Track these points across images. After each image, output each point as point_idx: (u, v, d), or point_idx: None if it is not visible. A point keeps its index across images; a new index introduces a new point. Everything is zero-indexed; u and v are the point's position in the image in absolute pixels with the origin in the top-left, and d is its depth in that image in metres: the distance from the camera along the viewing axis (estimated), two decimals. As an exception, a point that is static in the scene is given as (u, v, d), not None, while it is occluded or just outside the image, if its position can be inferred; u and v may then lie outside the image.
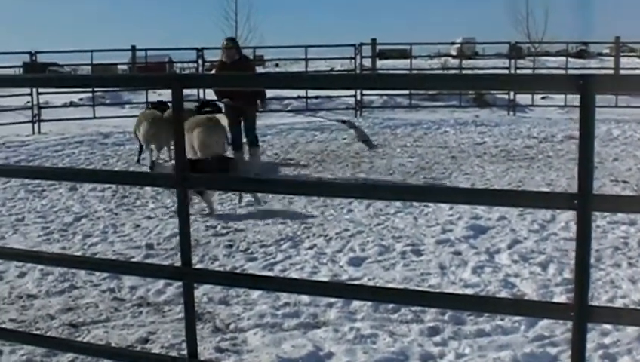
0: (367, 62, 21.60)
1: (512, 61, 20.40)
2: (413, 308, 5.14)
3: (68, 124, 17.04)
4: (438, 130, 16.24)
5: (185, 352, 3.52)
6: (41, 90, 16.89)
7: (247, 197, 8.92)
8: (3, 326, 5.02)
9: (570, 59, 22.28)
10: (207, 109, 11.68)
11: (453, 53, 31.23)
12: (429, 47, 32.79)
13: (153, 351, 4.62)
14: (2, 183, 10.17)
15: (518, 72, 20.45)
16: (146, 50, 21.12)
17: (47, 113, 17.47)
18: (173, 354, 4.58)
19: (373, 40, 20.96)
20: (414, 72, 20.55)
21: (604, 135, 14.46)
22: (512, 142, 14.26)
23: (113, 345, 4.74)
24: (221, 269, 6.26)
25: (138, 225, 7.95)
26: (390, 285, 5.74)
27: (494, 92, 19.72)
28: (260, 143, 11.71)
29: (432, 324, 4.97)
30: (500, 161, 12.01)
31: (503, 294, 5.58)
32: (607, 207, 3.10)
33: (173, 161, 9.02)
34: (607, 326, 4.72)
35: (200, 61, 19.04)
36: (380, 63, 23.72)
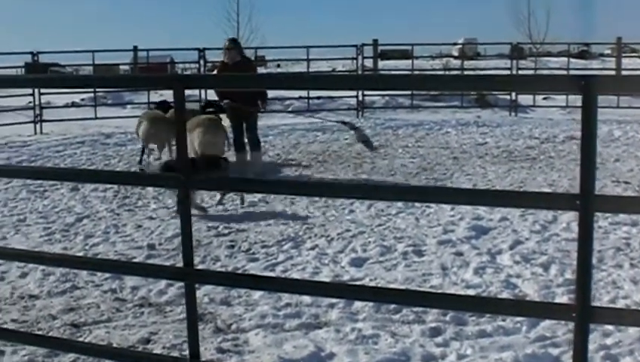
0: (368, 63, 21.61)
1: (514, 62, 20.40)
2: (415, 309, 5.14)
3: (70, 124, 17.05)
4: (440, 130, 16.24)
5: (186, 353, 3.52)
6: (42, 90, 16.90)
7: (250, 197, 8.92)
8: (5, 326, 5.02)
9: (571, 59, 22.30)
10: (211, 110, 11.68)
11: (455, 53, 31.25)
12: (431, 47, 32.76)
13: (155, 352, 4.62)
14: (4, 183, 10.17)
15: (520, 72, 20.44)
16: (147, 50, 21.14)
17: (49, 113, 17.48)
18: (175, 354, 4.58)
19: (375, 41, 20.98)
20: (416, 72, 20.53)
21: (605, 136, 14.45)
22: (513, 142, 14.26)
23: (115, 345, 4.75)
24: (223, 270, 6.26)
25: (140, 226, 7.95)
26: (392, 286, 5.74)
27: (496, 93, 19.71)
28: (262, 144, 11.71)
29: (433, 325, 4.97)
30: (502, 161, 12.01)
31: (505, 295, 5.58)
32: (609, 208, 3.10)
33: (159, 160, 9.04)
34: (609, 327, 4.72)
35: (202, 62, 19.04)
36: (381, 64, 23.73)
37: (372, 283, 5.88)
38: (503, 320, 4.96)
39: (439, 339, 4.78)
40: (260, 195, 8.95)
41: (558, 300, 5.39)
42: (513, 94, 19.32)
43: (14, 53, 20.37)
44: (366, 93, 19.05)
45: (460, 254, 6.66)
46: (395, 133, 15.92)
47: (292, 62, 31.73)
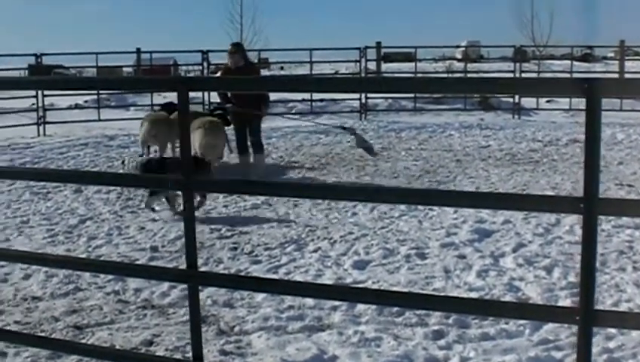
0: (372, 66, 21.61)
1: (517, 64, 20.40)
2: (418, 312, 5.14)
3: (73, 126, 17.07)
4: (443, 133, 16.24)
5: (189, 355, 3.53)
6: (46, 92, 16.93)
7: (253, 200, 8.93)
8: (8, 328, 5.03)
9: (575, 62, 22.27)
10: (219, 112, 11.71)
11: (458, 56, 31.30)
12: (434, 50, 32.83)
13: (158, 354, 4.62)
14: (7, 185, 10.18)
15: (523, 75, 20.45)
16: (151, 52, 21.16)
17: (52, 115, 17.51)
18: (178, 356, 4.58)
19: (378, 43, 20.96)
20: (419, 75, 20.55)
21: (608, 139, 14.44)
22: (516, 145, 14.25)
23: (117, 347, 4.75)
24: (226, 272, 6.26)
25: (143, 228, 7.96)
26: (395, 288, 5.73)
27: (499, 95, 19.70)
28: (265, 146, 11.72)
29: (436, 328, 4.97)
30: (505, 164, 12.00)
31: (508, 298, 5.58)
32: (613, 211, 3.10)
33: (139, 159, 9.02)
34: (612, 330, 4.71)
35: (205, 64, 19.06)
36: (384, 66, 23.71)
37: (375, 286, 5.88)
38: (506, 323, 4.96)
39: (442, 342, 4.78)
40: (263, 198, 8.95)
41: (561, 303, 5.39)
42: (516, 97, 19.31)
43: (18, 55, 20.41)
44: (369, 95, 19.04)
45: (462, 257, 6.66)
46: (398, 135, 15.93)
47: (295, 64, 31.69)
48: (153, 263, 6.63)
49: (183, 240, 3.41)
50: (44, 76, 18.23)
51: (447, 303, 3.59)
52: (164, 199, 8.52)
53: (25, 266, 6.31)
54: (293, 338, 4.90)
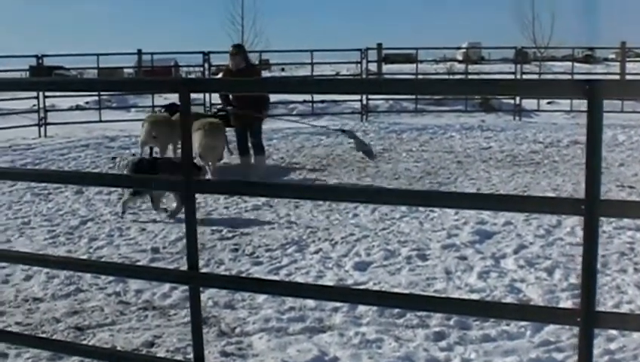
0: (373, 67, 21.61)
1: (518, 66, 20.39)
2: (419, 313, 5.14)
3: (74, 127, 17.06)
4: (444, 134, 16.24)
5: (190, 356, 3.53)
6: (47, 93, 16.93)
7: (254, 201, 8.93)
8: (9, 329, 5.04)
9: (576, 64, 22.26)
10: (221, 113, 11.73)
11: (459, 57, 31.27)
12: (435, 51, 32.82)
13: (159, 355, 4.63)
14: (8, 186, 10.19)
15: (524, 76, 20.45)
16: (152, 53, 21.17)
17: (54, 116, 17.51)
18: (179, 357, 4.58)
19: (379, 44, 20.95)
20: (420, 76, 20.54)
21: (610, 140, 14.43)
22: (517, 147, 14.25)
23: (119, 348, 4.75)
24: (227, 273, 6.26)
25: (144, 229, 7.96)
26: (396, 290, 5.74)
27: (500, 97, 19.69)
28: (266, 147, 11.72)
29: (437, 329, 4.97)
30: (506, 165, 12.00)
31: (509, 299, 5.58)
32: (614, 213, 3.10)
33: (130, 158, 9.03)
34: (613, 332, 4.71)
35: (206, 65, 19.07)
36: (385, 68, 23.68)
37: (376, 288, 5.88)
38: (507, 325, 4.96)
39: (443, 344, 4.78)
40: (264, 199, 8.95)
41: (562, 305, 5.39)
42: (517, 98, 19.31)
43: (19, 57, 20.41)
44: (370, 96, 19.03)
45: (463, 258, 6.66)
46: (399, 137, 15.93)
47: (296, 65, 31.70)
48: (154, 264, 6.63)
49: (184, 241, 3.41)
50: (45, 77, 18.25)
51: (448, 304, 3.59)
52: (145, 200, 8.56)
53: (26, 267, 6.31)
54: (294, 339, 4.90)
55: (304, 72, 28.11)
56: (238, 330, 5.06)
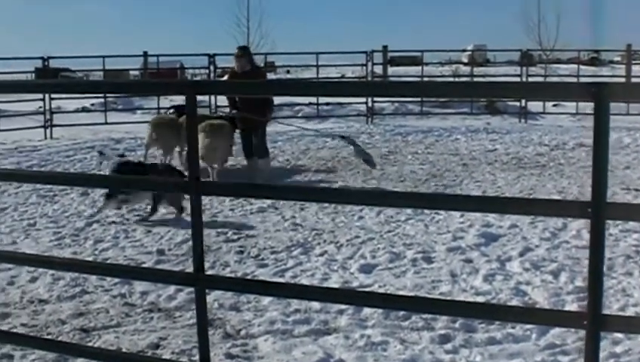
0: (378, 69, 21.62)
1: (524, 68, 20.37)
2: (424, 316, 5.13)
3: (80, 129, 17.11)
4: (450, 137, 16.23)
5: (195, 358, 3.53)
6: (53, 95, 16.96)
7: (259, 203, 8.93)
8: (14, 330, 5.05)
9: (581, 66, 22.23)
10: (229, 115, 11.76)
11: (465, 60, 31.22)
12: (440, 54, 32.72)
13: (164, 357, 4.63)
14: (14, 188, 10.21)
15: (530, 79, 20.43)
16: (157, 56, 21.20)
17: (59, 118, 17.56)
18: (184, 359, 4.59)
19: (385, 47, 20.98)
20: (425, 79, 20.54)
21: (615, 143, 14.37)
22: (523, 149, 14.23)
23: (124, 350, 4.76)
24: (232, 275, 6.26)
25: (149, 231, 7.96)
26: (401, 292, 5.73)
27: (506, 99, 19.68)
28: (272, 150, 11.73)
29: (443, 332, 4.96)
30: (512, 168, 11.98)
31: (515, 302, 5.57)
32: (621, 215, 3.09)
33: (116, 159, 9.04)
34: (619, 335, 4.70)
35: (212, 67, 19.09)
36: (391, 70, 23.70)
37: (381, 290, 5.87)
38: (513, 328, 4.95)
39: (448, 346, 4.77)
40: (269, 201, 8.95)
41: (567, 308, 5.38)
42: (523, 101, 19.30)
43: (25, 58, 20.47)
44: (375, 99, 19.04)
45: (469, 261, 6.65)
46: (404, 139, 15.93)
47: (302, 68, 31.73)
48: (160, 266, 6.63)
49: (189, 243, 3.41)
50: (51, 79, 18.30)
51: (453, 307, 3.58)
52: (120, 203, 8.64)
53: (32, 269, 6.32)
54: (300, 341, 4.90)
55: (309, 74, 28.16)
56: (243, 332, 5.06)
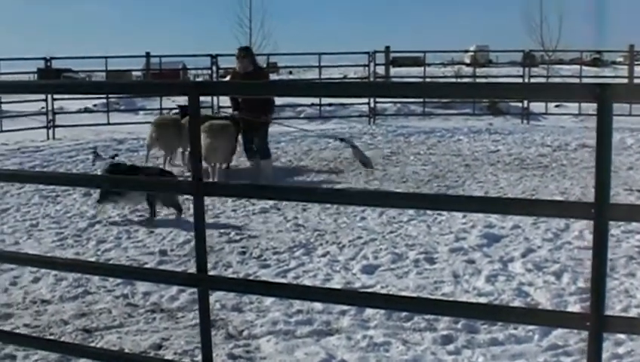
0: (380, 70, 21.62)
1: (526, 69, 20.36)
2: (427, 317, 5.13)
3: (82, 129, 17.13)
4: (452, 137, 16.22)
5: (198, 359, 3.53)
6: (55, 96, 16.98)
7: (262, 204, 8.93)
8: (17, 331, 5.05)
9: (583, 67, 22.21)
10: (232, 115, 11.78)
11: (467, 61, 31.23)
12: (443, 54, 32.74)
13: (166, 358, 4.63)
14: (17, 189, 10.22)
15: (532, 80, 20.42)
16: (160, 56, 21.21)
17: (62, 119, 17.57)
18: (187, 360, 4.59)
19: (387, 47, 20.96)
20: (428, 79, 20.54)
21: (618, 143, 14.37)
22: (525, 150, 14.22)
23: (126, 350, 4.76)
24: (235, 276, 6.26)
25: (152, 231, 7.97)
26: (403, 293, 5.73)
27: (508, 100, 19.67)
28: (274, 150, 11.73)
29: (445, 333, 4.96)
30: (514, 169, 11.98)
31: (517, 303, 5.56)
32: (624, 216, 3.08)
33: (109, 160, 9.05)
34: (621, 336, 4.69)
35: (214, 68, 19.09)
36: (393, 71, 23.71)
37: (383, 291, 5.87)
38: (515, 329, 4.94)
39: (451, 347, 4.77)
40: (271, 202, 8.95)
41: (570, 309, 5.37)
42: (525, 102, 19.28)
43: (26, 59, 20.50)
44: (378, 100, 19.04)
45: (471, 262, 6.64)
46: (406, 140, 15.92)
47: (304, 68, 31.74)
48: (162, 267, 6.63)
49: (192, 244, 3.41)
50: (53, 80, 18.31)
51: (455, 308, 3.58)
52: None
53: (34, 269, 6.32)
54: (302, 342, 4.90)
55: (312, 74, 28.15)
56: (245, 333, 5.06)
